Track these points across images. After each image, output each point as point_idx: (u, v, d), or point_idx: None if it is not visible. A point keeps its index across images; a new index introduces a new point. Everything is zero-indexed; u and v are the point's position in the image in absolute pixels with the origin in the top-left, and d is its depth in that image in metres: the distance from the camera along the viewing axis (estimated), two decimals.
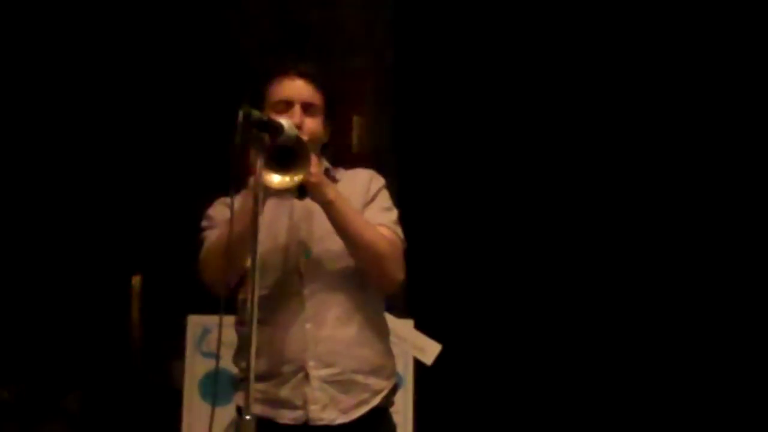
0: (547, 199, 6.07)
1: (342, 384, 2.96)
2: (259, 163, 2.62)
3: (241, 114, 2.57)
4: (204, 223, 3.07)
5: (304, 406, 2.93)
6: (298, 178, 2.75)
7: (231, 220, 2.68)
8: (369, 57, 5.52)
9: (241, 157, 2.68)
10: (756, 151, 5.93)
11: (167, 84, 5.89)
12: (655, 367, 5.94)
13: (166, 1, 5.96)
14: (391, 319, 3.27)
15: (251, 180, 2.75)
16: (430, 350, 4.71)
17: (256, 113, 2.62)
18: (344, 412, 2.96)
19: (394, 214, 3.08)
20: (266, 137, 2.64)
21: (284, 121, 2.72)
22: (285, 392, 2.94)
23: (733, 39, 5.88)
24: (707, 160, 6.02)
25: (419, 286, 3.09)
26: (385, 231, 2.99)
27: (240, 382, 2.98)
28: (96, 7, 6.07)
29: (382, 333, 3.11)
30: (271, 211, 2.99)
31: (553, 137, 6.10)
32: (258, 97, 3.02)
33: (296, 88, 3.02)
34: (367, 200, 3.05)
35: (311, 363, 2.94)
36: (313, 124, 2.99)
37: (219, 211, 3.04)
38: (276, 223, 3.01)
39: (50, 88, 6.13)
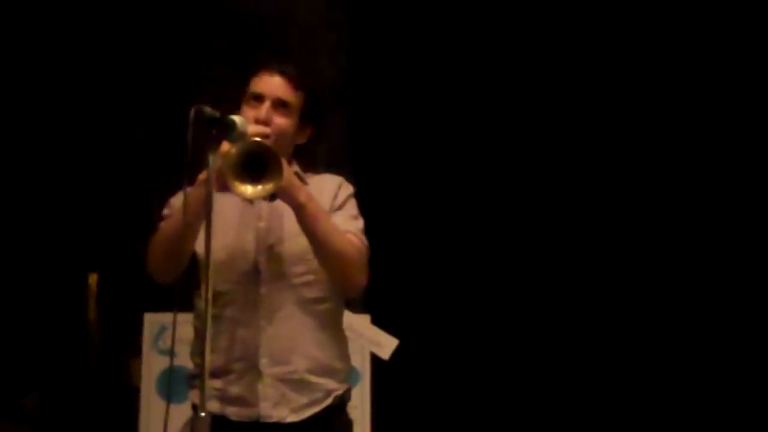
0: (503, 195, 6.09)
1: (294, 383, 2.97)
2: (212, 159, 2.63)
3: (192, 111, 2.58)
4: (165, 211, 3.04)
5: (256, 404, 2.94)
6: (270, 187, 2.70)
7: (184, 212, 2.70)
8: (323, 55, 5.54)
9: (198, 154, 2.69)
10: (756, 151, 5.92)
11: (123, 80, 5.88)
12: (626, 365, 5.94)
13: None
14: (347, 315, 3.28)
15: (201, 176, 2.77)
16: (387, 345, 4.74)
17: (207, 110, 2.61)
18: (295, 411, 2.97)
19: (360, 222, 3.07)
20: (215, 133, 2.64)
21: (238, 119, 2.70)
22: (238, 389, 2.95)
23: (733, 39, 5.88)
24: (678, 160, 6.02)
25: (376, 281, 3.10)
26: (351, 238, 2.98)
27: (194, 379, 3.00)
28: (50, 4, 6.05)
29: (339, 338, 3.12)
30: (240, 210, 3.01)
31: (507, 134, 6.12)
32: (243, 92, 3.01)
33: (271, 83, 2.99)
34: (334, 207, 3.04)
35: (264, 360, 2.94)
36: (282, 122, 2.96)
37: (180, 199, 3.02)
38: (243, 223, 3.01)
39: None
